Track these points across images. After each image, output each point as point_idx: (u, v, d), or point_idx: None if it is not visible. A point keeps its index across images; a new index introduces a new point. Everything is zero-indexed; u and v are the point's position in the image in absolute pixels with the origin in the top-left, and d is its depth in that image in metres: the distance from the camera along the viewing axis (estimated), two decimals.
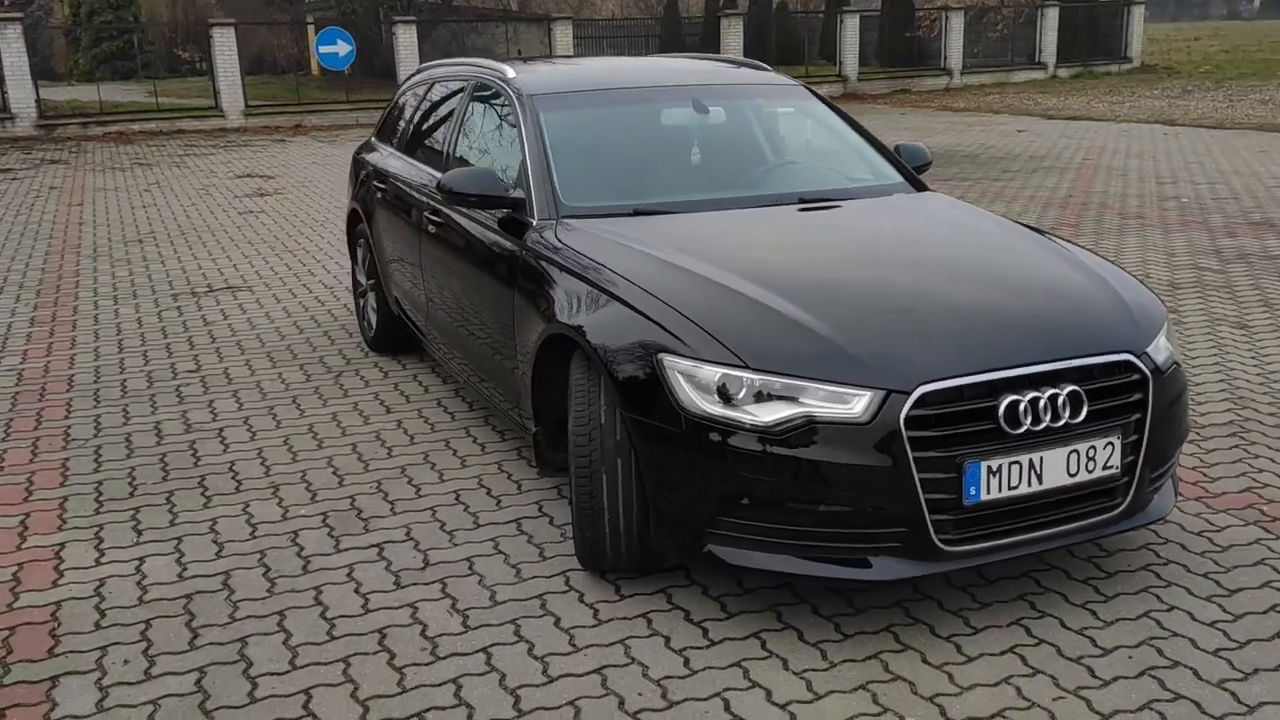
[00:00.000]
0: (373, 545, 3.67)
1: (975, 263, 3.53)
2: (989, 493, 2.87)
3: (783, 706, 2.75)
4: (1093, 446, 2.97)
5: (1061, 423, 2.92)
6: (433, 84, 5.46)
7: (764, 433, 2.85)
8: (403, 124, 5.65)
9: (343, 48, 21.22)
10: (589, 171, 4.09)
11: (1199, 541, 3.55)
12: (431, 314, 4.83)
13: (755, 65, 5.07)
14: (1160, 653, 2.94)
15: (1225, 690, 2.77)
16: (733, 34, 24.62)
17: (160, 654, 3.04)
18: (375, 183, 5.53)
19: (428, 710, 2.77)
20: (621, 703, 2.78)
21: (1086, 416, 2.96)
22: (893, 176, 4.37)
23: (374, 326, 5.81)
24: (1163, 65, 30.43)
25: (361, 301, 6.05)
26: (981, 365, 2.90)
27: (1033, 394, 2.90)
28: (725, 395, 2.91)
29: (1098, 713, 2.69)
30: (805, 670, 2.90)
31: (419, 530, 3.77)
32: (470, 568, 3.50)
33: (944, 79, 26.94)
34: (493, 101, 4.64)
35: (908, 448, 2.81)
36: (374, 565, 3.53)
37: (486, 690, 2.84)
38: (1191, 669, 2.86)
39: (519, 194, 3.98)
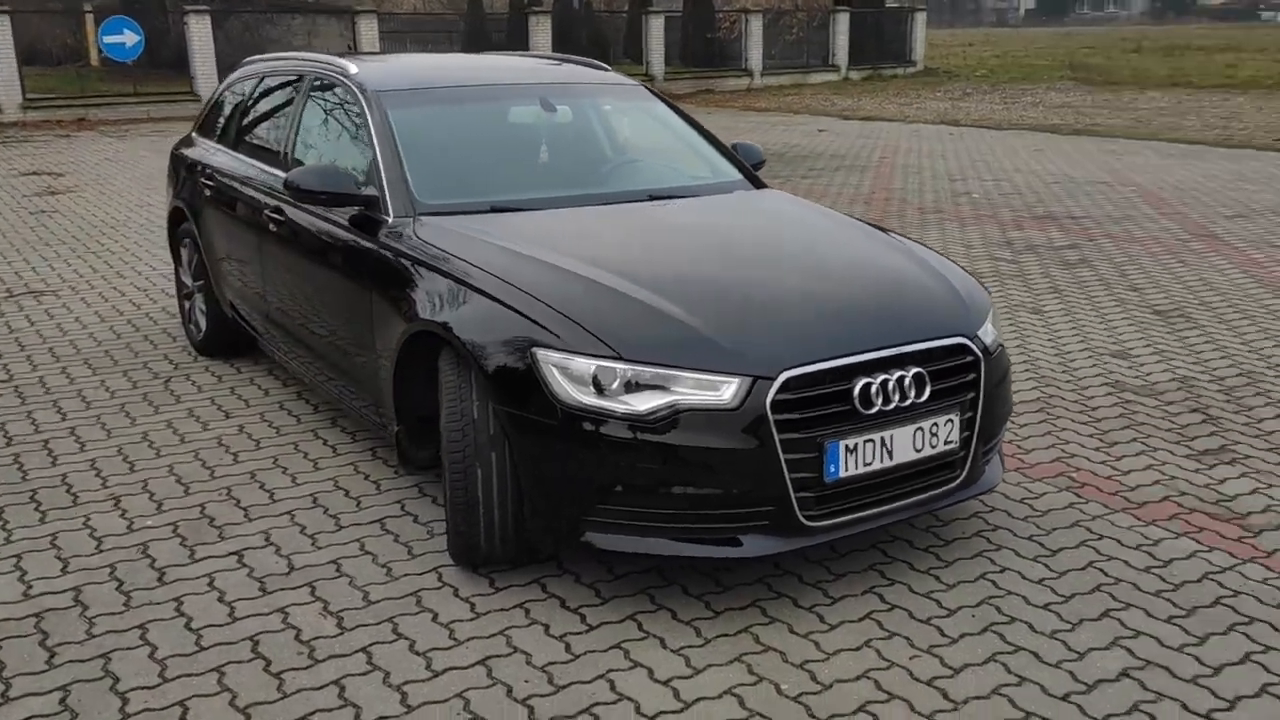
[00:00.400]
0: (230, 553, 3.58)
1: (822, 256, 3.74)
2: (847, 469, 3.07)
3: (665, 683, 2.86)
4: (935, 424, 3.22)
5: (909, 402, 3.15)
6: (262, 78, 5.32)
7: (638, 421, 2.96)
8: (230, 119, 5.48)
9: (130, 38, 20.11)
10: (442, 169, 4.09)
11: (1021, 508, 3.88)
12: (273, 315, 4.72)
13: (595, 65, 5.18)
14: (999, 610, 3.21)
15: (1057, 640, 3.05)
16: (541, 32, 24.67)
17: (17, 675, 2.90)
18: (203, 180, 5.35)
19: (312, 714, 2.75)
20: (509, 690, 2.83)
21: (929, 396, 3.20)
22: (733, 174, 4.56)
23: (203, 330, 5.61)
24: (943, 69, 32.31)
25: (187, 304, 5.83)
26: (837, 351, 3.10)
27: (883, 376, 3.11)
28: (599, 386, 3.01)
29: (950, 667, 2.93)
30: (682, 648, 3.02)
31: (278, 535, 3.70)
32: (338, 569, 3.47)
33: (745, 80, 27.77)
34: (333, 98, 4.58)
35: (774, 430, 2.97)
36: (235, 573, 3.45)
37: (371, 689, 2.85)
38: (1027, 623, 3.14)
39: (371, 191, 3.95)
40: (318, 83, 4.70)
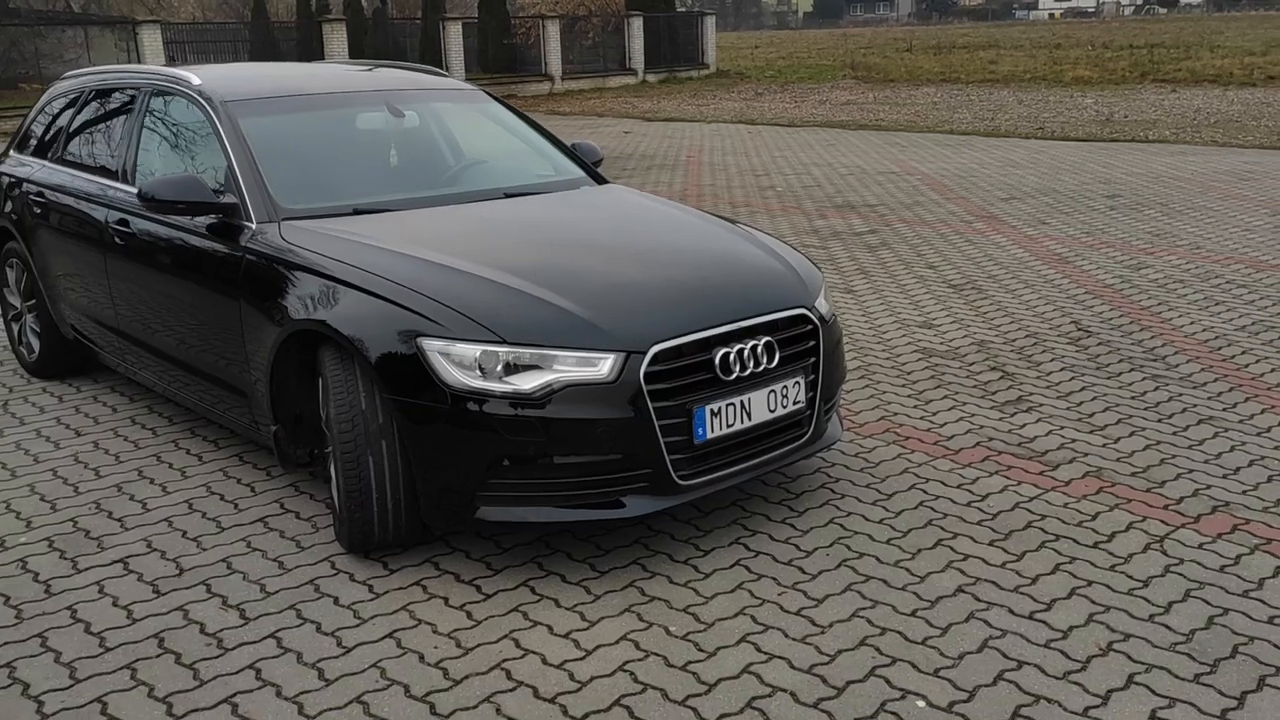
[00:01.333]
0: (115, 561, 3.62)
1: (673, 242, 4.06)
2: (713, 431, 3.41)
3: (565, 635, 3.12)
4: (785, 386, 3.59)
5: (762, 368, 3.51)
6: (89, 92, 5.26)
7: (525, 399, 3.21)
8: (58, 135, 5.38)
9: None
10: (299, 175, 4.21)
11: (857, 462, 4.32)
12: (123, 329, 4.71)
13: (433, 71, 5.36)
14: (848, 548, 3.62)
15: (901, 568, 3.48)
16: (336, 40, 24.30)
17: None
18: (33, 198, 5.24)
19: (233, 695, 2.87)
20: (421, 657, 3.03)
21: (778, 362, 3.57)
22: (575, 171, 4.84)
23: (36, 351, 5.49)
24: (734, 70, 33.57)
25: (16, 326, 5.67)
26: (697, 325, 3.43)
27: (738, 346, 3.46)
28: (484, 369, 3.24)
29: (813, 599, 3.30)
30: (575, 605, 3.29)
31: (160, 541, 3.75)
32: (229, 567, 3.56)
33: (547, 84, 28.12)
34: (175, 109, 4.61)
35: (648, 400, 3.27)
36: (124, 579, 3.50)
37: (286, 669, 2.99)
38: (874, 556, 3.56)
39: (230, 199, 4.03)
40: (156, 95, 4.72)
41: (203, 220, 4.09)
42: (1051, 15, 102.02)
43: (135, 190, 4.51)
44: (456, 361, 3.26)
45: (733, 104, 23.90)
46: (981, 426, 4.67)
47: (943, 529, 3.74)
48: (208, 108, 4.33)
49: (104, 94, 5.17)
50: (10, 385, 5.47)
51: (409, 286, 3.42)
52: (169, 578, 3.50)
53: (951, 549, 3.59)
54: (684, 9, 35.10)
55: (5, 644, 3.12)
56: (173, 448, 4.61)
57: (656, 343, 3.32)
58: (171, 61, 22.56)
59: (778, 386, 3.57)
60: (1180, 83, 24.79)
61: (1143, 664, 2.92)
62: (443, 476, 3.33)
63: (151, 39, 21.82)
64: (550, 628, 3.17)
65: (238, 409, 4.09)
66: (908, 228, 9.34)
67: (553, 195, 4.52)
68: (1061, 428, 4.63)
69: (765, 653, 3.02)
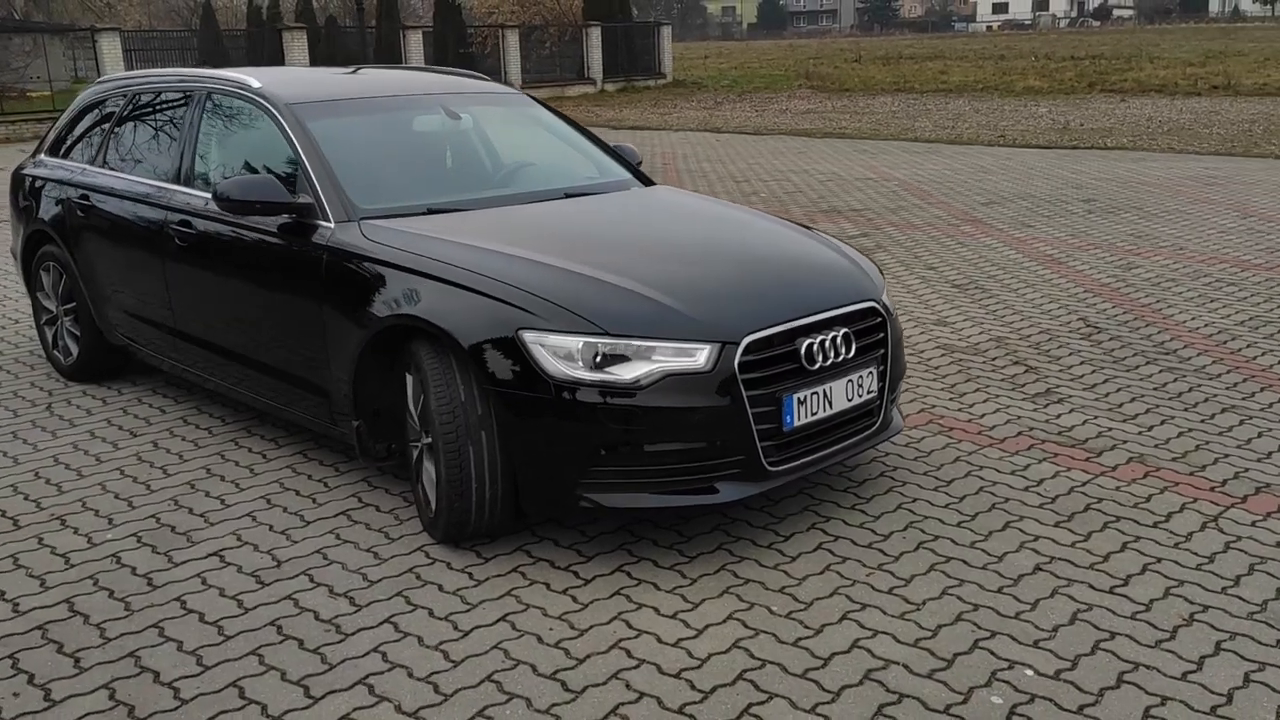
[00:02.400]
0: (210, 554, 3.67)
1: (744, 239, 4.20)
2: (799, 419, 3.55)
3: (672, 616, 3.24)
4: (860, 376, 3.75)
5: (841, 358, 3.66)
6: (135, 96, 5.28)
7: (626, 389, 3.33)
8: (97, 138, 5.38)
9: None
10: (370, 175, 4.28)
11: (910, 451, 4.48)
12: (183, 330, 4.74)
13: (476, 75, 5.46)
14: (923, 531, 3.77)
15: (978, 549, 3.64)
16: (297, 48, 24.16)
17: (52, 680, 2.94)
18: (75, 201, 5.24)
19: (366, 677, 2.95)
20: (539, 639, 3.13)
21: (855, 352, 3.73)
22: (622, 172, 4.96)
23: (74, 354, 5.49)
24: (690, 80, 33.85)
25: (50, 330, 5.66)
26: (784, 317, 3.57)
27: (820, 337, 3.61)
28: (585, 360, 3.35)
29: (901, 579, 3.45)
30: (674, 588, 3.41)
31: (250, 534, 3.81)
32: (325, 558, 3.63)
33: None
34: (234, 112, 4.66)
35: (741, 389, 3.41)
36: (224, 571, 3.55)
37: (411, 651, 3.07)
38: (949, 539, 3.71)
39: (306, 199, 4.10)
40: (212, 98, 4.76)
41: (275, 220, 4.16)
42: (989, 27, 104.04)
43: (197, 193, 4.57)
44: (557, 353, 3.36)
45: (695, 113, 24.15)
46: (1019, 417, 4.86)
47: (1008, 512, 3.91)
48: (273, 110, 4.39)
49: (150, 98, 5.19)
50: (48, 389, 5.46)
51: (505, 281, 3.52)
52: (268, 569, 3.56)
53: (1021, 530, 3.76)
54: (638, 19, 35.31)
55: (122, 635, 3.17)
56: (234, 446, 4.65)
57: (749, 333, 3.46)
58: (130, 67, 22.26)
59: (854, 376, 3.72)
60: (1128, 92, 25.48)
61: (1226, 632, 3.11)
62: (545, 465, 3.43)
63: (111, 46, 21.55)
64: (656, 609, 3.28)
65: (315, 405, 4.15)
66: (898, 231, 9.57)
67: (611, 195, 4.64)
68: (1095, 417, 4.83)
69: (869, 628, 3.16)
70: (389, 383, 3.90)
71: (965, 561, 3.55)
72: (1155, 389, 5.19)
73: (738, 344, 3.42)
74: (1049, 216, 10.07)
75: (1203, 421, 4.75)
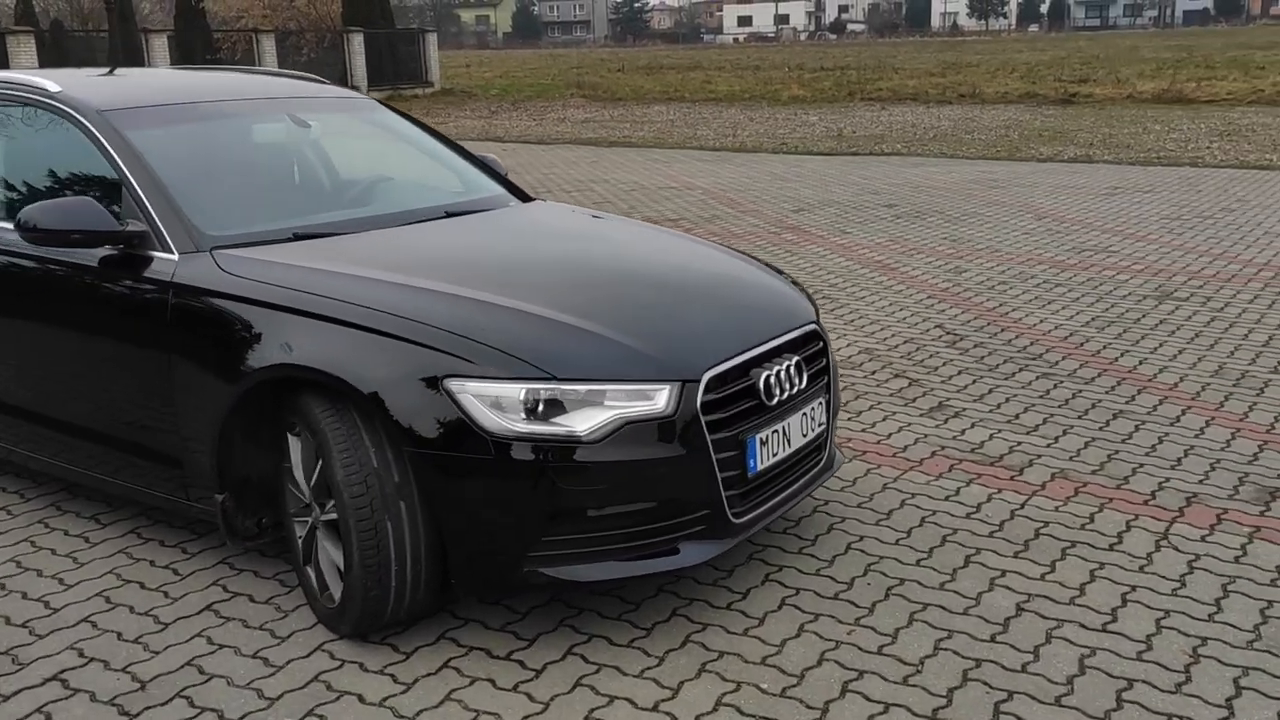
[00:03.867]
0: (48, 679, 2.90)
1: (672, 262, 3.73)
2: (762, 462, 3.14)
3: (653, 709, 2.76)
4: (812, 407, 3.38)
5: (796, 389, 3.28)
6: None
7: (580, 442, 2.82)
8: None
9: None
10: (213, 196, 3.58)
11: (833, 481, 4.17)
12: None
13: (313, 79, 4.75)
14: (885, 575, 3.44)
15: (950, 591, 3.34)
16: (24, 53, 21.86)
17: None
18: None
19: None
20: None
21: (806, 382, 3.36)
22: (496, 187, 4.41)
23: None
24: (459, 88, 33.05)
25: None
26: (736, 348, 3.15)
27: (776, 368, 3.21)
28: (530, 411, 2.82)
29: (885, 634, 3.10)
30: (643, 671, 2.93)
31: (94, 647, 3.05)
32: (202, 672, 2.93)
33: None
34: (28, 123, 3.82)
35: (705, 432, 2.96)
36: (72, 701, 2.80)
37: None
38: (916, 581, 3.40)
39: (136, 226, 3.36)
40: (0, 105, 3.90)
41: (95, 253, 3.39)
42: (736, 39, 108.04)
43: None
44: (496, 404, 2.82)
45: (472, 122, 23.47)
46: (926, 435, 4.64)
47: (961, 545, 3.64)
48: (81, 120, 3.60)
49: None
50: None
51: (420, 320, 2.94)
52: (132, 693, 2.83)
53: (983, 565, 3.49)
54: (400, 27, 34.21)
55: None
56: (44, 528, 3.80)
57: (708, 369, 3.02)
58: None
59: (807, 409, 3.35)
60: (886, 101, 26.66)
61: (1237, 666, 2.92)
62: (483, 538, 2.87)
63: None
64: (631, 701, 2.79)
65: (161, 478, 3.41)
66: (721, 240, 9.36)
67: (496, 213, 4.09)
68: (1000, 431, 4.68)
69: (878, 700, 2.79)
70: (258, 446, 3.23)
71: (943, 607, 3.24)
72: (1041, 397, 5.10)
73: (699, 381, 2.98)
74: (861, 222, 10.14)
75: (1101, 429, 4.67)
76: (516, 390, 2.82)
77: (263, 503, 3.35)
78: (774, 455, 3.19)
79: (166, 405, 3.29)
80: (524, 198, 4.40)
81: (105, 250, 3.39)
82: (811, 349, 3.46)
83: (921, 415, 4.88)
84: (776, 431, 3.19)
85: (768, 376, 3.17)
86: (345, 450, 2.88)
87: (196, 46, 27.84)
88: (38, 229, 3.27)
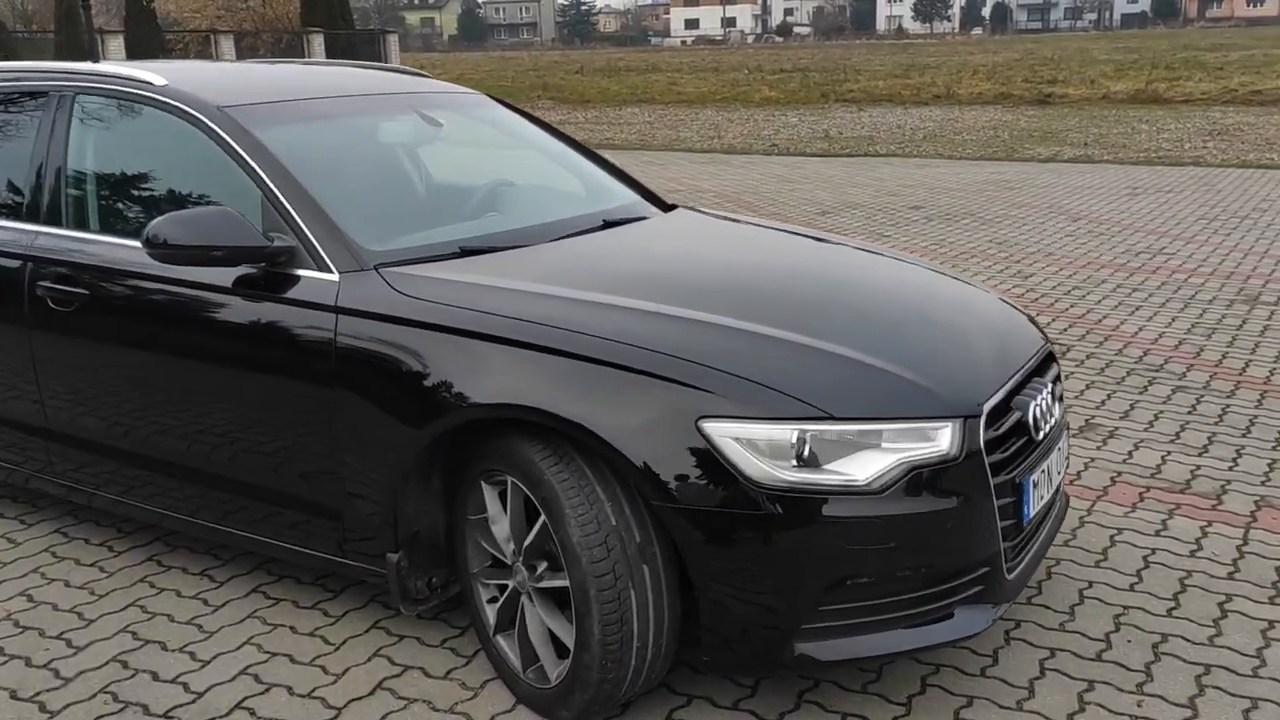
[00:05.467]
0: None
1: (887, 281, 3.25)
2: (1034, 508, 2.72)
3: None
4: (1064, 440, 2.98)
5: (1054, 421, 2.87)
6: None
7: (865, 493, 2.39)
8: None
9: None
10: (361, 204, 3.09)
11: None
12: (62, 434, 3.33)
13: (416, 72, 4.25)
14: (1140, 629, 3.05)
15: (1222, 648, 2.96)
16: None
17: None
18: None
19: None
20: None
21: (1060, 412, 2.95)
22: (630, 192, 3.95)
23: None
24: None
25: None
26: (1001, 375, 2.74)
27: (1037, 396, 2.80)
28: (802, 456, 2.38)
29: (1174, 705, 2.71)
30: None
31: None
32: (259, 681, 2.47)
33: None
34: (127, 120, 3.30)
35: (989, 475, 2.54)
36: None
37: None
38: (1182, 637, 3.01)
39: (285, 241, 2.87)
40: (86, 102, 3.36)
41: (231, 273, 2.90)
42: (684, 42, 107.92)
43: (84, 235, 3.21)
44: (762, 448, 2.37)
45: None
46: (1094, 459, 4.26)
47: (1205, 589, 3.25)
48: (199, 118, 3.09)
49: None
50: None
51: (661, 350, 2.48)
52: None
53: (1244, 615, 3.10)
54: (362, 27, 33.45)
55: None
56: (149, 589, 3.29)
57: (985, 400, 2.60)
58: None
59: (1061, 442, 2.95)
60: (860, 102, 26.48)
61: None
62: (750, 609, 2.42)
63: None
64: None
65: (314, 532, 2.92)
66: None
67: (654, 223, 3.62)
68: (1169, 453, 4.31)
69: None
70: (428, 495, 2.78)
71: (1229, 669, 2.84)
72: (1189, 412, 4.75)
73: (979, 416, 2.55)
74: (895, 225, 9.79)
75: (1275, 448, 4.33)
76: (788, 432, 2.37)
77: (430, 561, 2.88)
78: (1041, 499, 2.78)
79: (327, 449, 2.80)
80: (659, 202, 3.94)
81: (243, 269, 2.89)
82: (1053, 372, 3.06)
83: (1075, 435, 4.50)
84: (1044, 471, 2.78)
85: (1034, 407, 2.76)
86: (580, 506, 2.42)
87: (152, 47, 26.91)
88: (169, 245, 2.77)
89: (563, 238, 3.25)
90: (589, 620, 2.42)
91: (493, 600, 2.81)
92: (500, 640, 2.77)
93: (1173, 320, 6.28)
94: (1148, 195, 11.37)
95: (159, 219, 2.79)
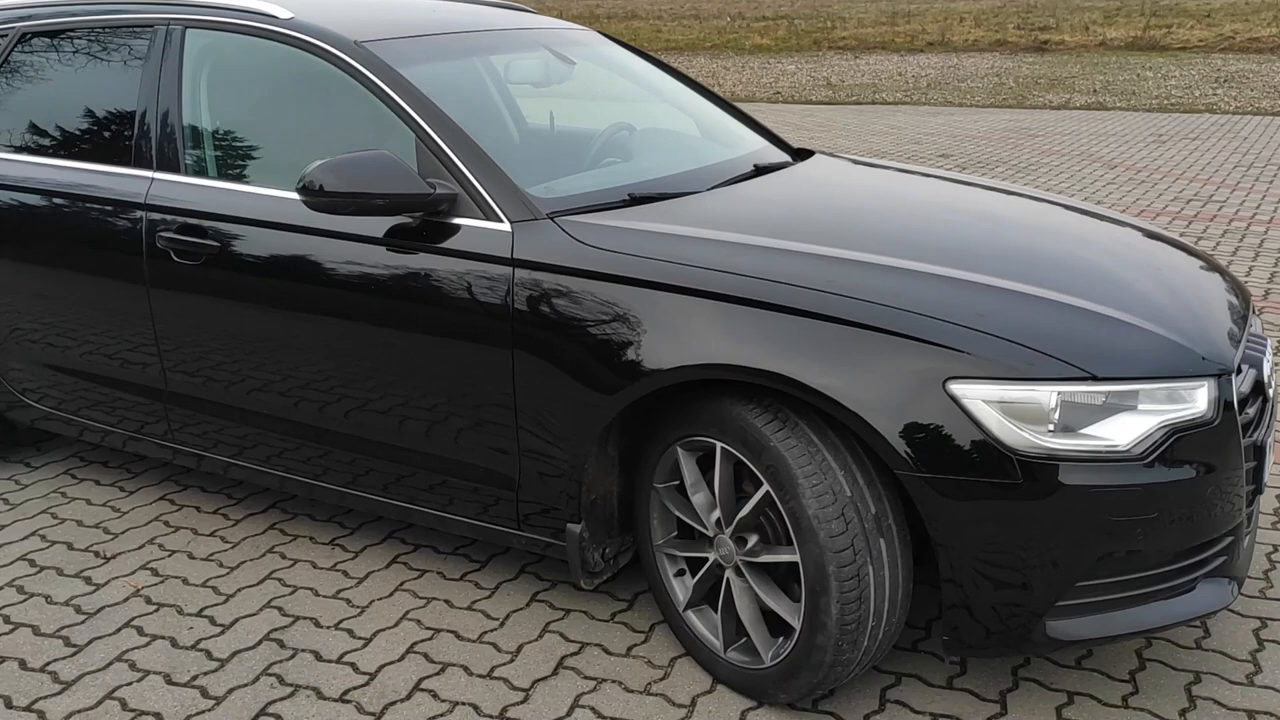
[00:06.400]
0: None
1: (1081, 230, 3.04)
2: (1267, 475, 2.55)
3: None
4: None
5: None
6: (24, 36, 3.42)
7: (1128, 459, 2.20)
8: None
9: None
10: (521, 148, 2.87)
11: None
12: (182, 392, 3.09)
13: (516, 6, 3.96)
14: None
15: None
16: None
17: None
18: None
19: None
20: None
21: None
22: (758, 137, 3.71)
23: None
24: None
25: None
26: (1239, 328, 2.55)
27: (1264, 350, 2.61)
28: (1060, 421, 2.19)
29: None
30: None
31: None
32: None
33: None
34: (248, 58, 3.03)
35: (1240, 438, 2.36)
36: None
37: None
38: None
39: (448, 188, 2.63)
40: (196, 36, 3.08)
41: (384, 223, 2.66)
42: None
43: (207, 183, 2.95)
44: (1016, 412, 2.18)
45: None
46: None
47: None
48: (336, 54, 2.83)
49: (58, 37, 3.37)
50: None
51: (894, 305, 2.28)
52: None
53: None
54: None
55: None
56: (280, 560, 3.07)
57: (1234, 356, 2.41)
58: None
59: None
60: (855, 49, 26.13)
61: None
62: (1001, 585, 2.23)
63: None
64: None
65: (485, 502, 2.71)
66: None
67: (805, 167, 3.39)
68: None
69: None
70: (606, 461, 2.58)
71: None
72: None
73: (1232, 373, 2.37)
74: None
75: None
76: (1046, 394, 2.18)
77: (604, 531, 2.68)
78: (1272, 466, 2.60)
79: (502, 413, 2.58)
80: (786, 146, 3.70)
81: (399, 219, 2.65)
82: (1256, 327, 2.87)
83: None
84: (1274, 434, 2.60)
85: (1266, 364, 2.57)
86: (814, 475, 2.22)
87: None
88: (325, 192, 2.52)
89: (723, 184, 3.02)
90: (825, 599, 2.23)
91: (681, 573, 2.62)
92: (693, 616, 2.59)
93: (1249, 269, 6.12)
94: (1175, 142, 11.21)
95: (315, 165, 2.54)
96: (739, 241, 2.50)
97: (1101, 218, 3.16)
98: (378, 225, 2.68)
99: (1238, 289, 2.82)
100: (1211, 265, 2.93)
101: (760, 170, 3.21)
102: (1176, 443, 2.24)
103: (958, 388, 2.18)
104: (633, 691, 2.51)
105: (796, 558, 2.27)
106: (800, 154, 3.62)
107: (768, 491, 2.30)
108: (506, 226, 2.57)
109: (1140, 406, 2.25)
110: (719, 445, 2.38)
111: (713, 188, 2.98)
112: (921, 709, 2.45)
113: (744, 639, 2.51)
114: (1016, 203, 3.17)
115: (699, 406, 2.40)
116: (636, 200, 2.77)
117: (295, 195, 2.69)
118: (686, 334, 2.35)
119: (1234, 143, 11.10)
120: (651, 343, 2.38)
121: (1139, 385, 2.24)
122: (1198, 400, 2.29)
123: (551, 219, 2.59)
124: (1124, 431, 2.21)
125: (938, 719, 2.41)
